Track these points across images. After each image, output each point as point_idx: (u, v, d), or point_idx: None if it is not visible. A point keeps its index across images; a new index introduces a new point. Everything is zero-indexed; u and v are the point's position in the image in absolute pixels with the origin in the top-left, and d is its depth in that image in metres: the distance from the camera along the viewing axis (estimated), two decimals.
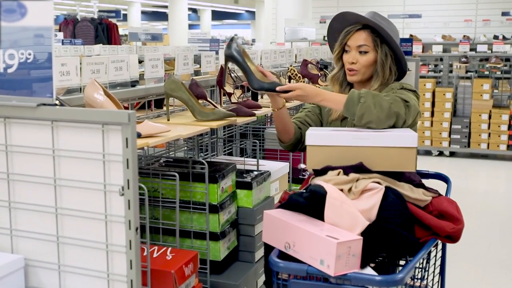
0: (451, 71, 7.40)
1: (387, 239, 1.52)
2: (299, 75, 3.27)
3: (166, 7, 16.20)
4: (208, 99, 2.20)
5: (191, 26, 19.97)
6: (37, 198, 1.37)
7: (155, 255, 1.76)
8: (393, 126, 1.72)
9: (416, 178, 1.72)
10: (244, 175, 2.25)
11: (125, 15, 18.63)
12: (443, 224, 1.60)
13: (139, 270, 1.29)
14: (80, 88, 1.87)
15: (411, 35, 9.76)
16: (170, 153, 2.56)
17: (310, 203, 1.56)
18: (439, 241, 1.69)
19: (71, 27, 8.26)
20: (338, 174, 1.63)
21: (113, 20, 9.42)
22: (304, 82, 3.24)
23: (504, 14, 10.04)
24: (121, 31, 11.51)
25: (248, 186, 2.18)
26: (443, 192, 1.83)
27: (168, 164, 2.15)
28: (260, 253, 2.22)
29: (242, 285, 2.07)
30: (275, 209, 1.65)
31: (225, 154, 2.86)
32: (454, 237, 1.62)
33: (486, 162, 6.91)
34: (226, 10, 22.29)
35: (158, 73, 2.24)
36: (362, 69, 1.91)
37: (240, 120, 2.19)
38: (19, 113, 1.34)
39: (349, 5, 10.89)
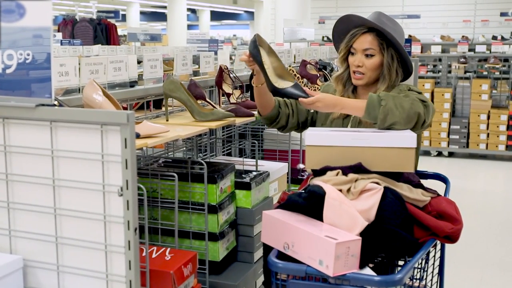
0: (449, 72, 7.41)
1: (386, 240, 1.52)
2: (298, 75, 3.27)
3: (165, 7, 16.20)
4: (207, 99, 2.20)
5: (190, 27, 19.98)
6: (36, 199, 1.37)
7: (154, 255, 1.76)
8: (414, 127, 1.73)
9: (415, 179, 1.72)
10: (243, 175, 2.25)
11: (124, 16, 18.62)
12: (442, 225, 1.60)
13: (138, 271, 1.29)
14: (79, 89, 1.87)
15: (410, 36, 9.76)
16: (169, 154, 2.56)
17: (309, 204, 1.56)
18: (438, 242, 1.70)
19: (70, 27, 8.25)
20: (337, 174, 1.63)
21: (112, 21, 9.41)
22: (302, 82, 3.24)
23: (502, 14, 10.05)
24: (120, 32, 11.49)
25: (247, 187, 2.18)
26: (442, 193, 1.83)
27: (167, 165, 2.15)
28: (259, 253, 2.22)
29: (241, 286, 2.07)
30: (274, 209, 1.65)
31: (224, 155, 2.86)
32: (453, 238, 1.62)
33: (485, 162, 6.92)
34: (225, 11, 22.29)
35: (157, 73, 2.24)
36: (368, 72, 1.90)
37: (239, 121, 2.19)
38: (18, 114, 1.34)
39: (348, 5, 10.90)
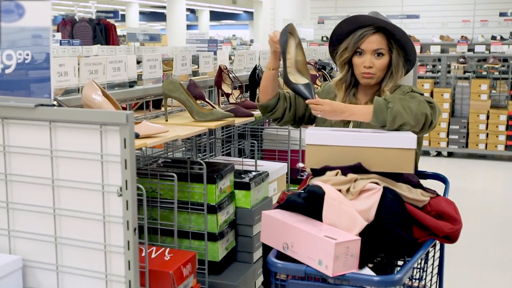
0: (449, 72, 7.41)
1: (385, 240, 1.52)
2: None
3: (164, 7, 16.19)
4: (206, 99, 2.20)
5: (189, 27, 19.98)
6: (35, 199, 1.37)
7: (153, 255, 1.76)
8: (422, 128, 1.74)
9: (414, 179, 1.72)
10: (242, 175, 2.25)
11: (123, 16, 18.62)
12: (441, 225, 1.60)
13: (137, 271, 1.29)
14: (78, 89, 1.87)
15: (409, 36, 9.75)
16: (168, 154, 2.56)
17: (308, 204, 1.56)
18: (437, 242, 1.70)
19: (69, 27, 8.24)
20: (336, 174, 1.63)
21: (111, 21, 9.41)
22: None
23: (502, 14, 10.06)
24: (119, 32, 11.49)
25: (246, 187, 2.18)
26: (441, 193, 1.83)
27: (166, 165, 2.15)
28: (258, 253, 2.22)
29: (241, 286, 2.07)
30: (273, 209, 1.65)
31: (223, 155, 2.86)
32: (452, 238, 1.62)
33: (484, 162, 6.92)
34: (224, 11, 22.29)
35: (156, 73, 2.24)
36: (378, 72, 1.89)
37: (238, 121, 2.19)
38: (17, 114, 1.34)
39: (347, 5, 10.90)
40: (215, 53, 3.07)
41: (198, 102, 2.14)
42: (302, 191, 1.64)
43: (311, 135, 1.69)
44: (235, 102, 2.45)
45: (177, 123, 2.06)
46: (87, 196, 1.31)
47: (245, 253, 2.20)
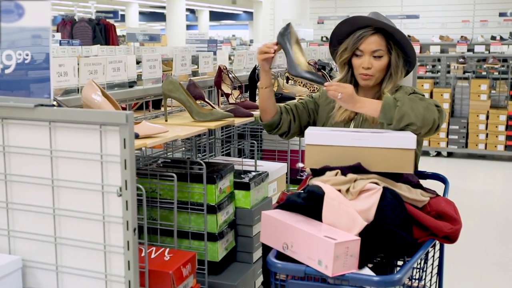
0: (448, 72, 7.42)
1: (385, 240, 1.52)
2: None
3: (164, 7, 16.19)
4: (206, 99, 2.20)
5: (189, 27, 19.97)
6: (35, 199, 1.37)
7: (153, 255, 1.76)
8: (428, 131, 1.75)
9: (414, 179, 1.72)
10: (242, 175, 2.25)
11: (123, 16, 18.62)
12: (441, 225, 1.61)
13: (137, 271, 1.29)
14: (78, 89, 1.87)
15: (408, 36, 9.75)
16: (168, 154, 2.56)
17: (308, 204, 1.56)
18: (437, 242, 1.70)
19: (68, 27, 8.24)
20: (336, 174, 1.63)
21: (111, 21, 9.41)
22: (301, 82, 3.24)
23: (501, 14, 10.07)
24: (119, 32, 11.49)
25: (246, 187, 2.18)
26: (440, 193, 1.83)
27: (166, 165, 2.15)
28: (258, 253, 2.22)
29: (240, 286, 2.07)
30: (273, 209, 1.65)
31: (223, 155, 2.86)
32: (452, 238, 1.62)
33: (484, 162, 6.92)
34: (224, 11, 22.29)
35: (156, 73, 2.24)
36: (376, 73, 1.90)
37: (238, 121, 2.19)
38: (17, 114, 1.34)
39: (346, 6, 10.91)
40: (214, 53, 3.07)
41: (198, 102, 2.14)
42: (302, 191, 1.64)
43: (311, 135, 1.69)
44: (234, 102, 2.45)
45: (176, 123, 2.06)
46: (86, 196, 1.31)
47: (245, 253, 2.20)
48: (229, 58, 4.10)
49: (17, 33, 1.30)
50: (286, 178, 2.75)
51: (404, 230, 1.56)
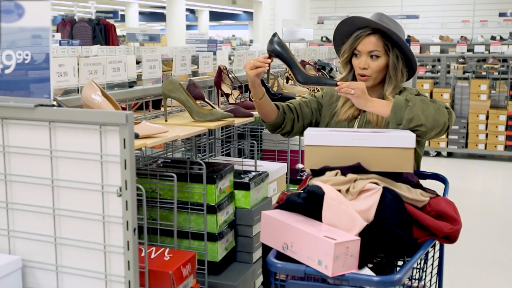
0: (448, 72, 7.42)
1: (385, 240, 1.52)
2: None
3: (163, 7, 16.19)
4: (206, 99, 2.20)
5: (188, 27, 19.98)
6: (35, 199, 1.36)
7: (153, 256, 1.76)
8: (438, 133, 1.76)
9: (413, 179, 1.72)
10: (242, 175, 2.25)
11: (122, 16, 18.62)
12: (441, 225, 1.60)
13: (137, 271, 1.29)
14: (78, 89, 1.87)
15: (408, 36, 9.77)
16: (168, 154, 2.56)
17: (308, 204, 1.56)
18: (437, 242, 1.69)
19: (68, 27, 8.25)
20: (336, 174, 1.63)
21: (111, 21, 9.41)
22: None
23: (501, 15, 10.07)
24: (119, 32, 11.49)
25: (246, 187, 2.18)
26: (440, 193, 1.83)
27: (166, 165, 2.15)
28: (258, 253, 2.22)
29: (240, 286, 2.07)
30: (273, 209, 1.65)
31: (223, 155, 2.86)
32: (451, 238, 1.62)
33: (484, 162, 6.92)
34: (224, 11, 22.29)
35: (155, 73, 2.24)
36: (373, 74, 1.90)
37: (238, 121, 2.19)
38: (17, 114, 1.34)
39: (346, 6, 10.91)
40: (214, 53, 3.07)
41: (198, 102, 2.14)
42: (302, 191, 1.64)
43: (310, 136, 1.68)
44: (234, 102, 2.45)
45: (176, 123, 2.06)
46: (86, 197, 1.31)
47: (245, 253, 2.20)
48: (229, 58, 4.10)
49: (17, 33, 1.30)
50: (286, 178, 2.75)
51: (404, 230, 1.56)
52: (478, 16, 10.37)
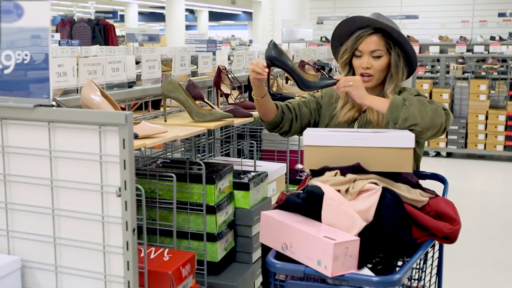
0: (448, 72, 7.42)
1: (384, 240, 1.52)
2: None
3: (163, 8, 16.19)
4: (205, 100, 2.20)
5: (188, 27, 19.98)
6: (34, 199, 1.36)
7: (152, 256, 1.76)
8: (434, 134, 1.76)
9: (413, 179, 1.72)
10: (241, 176, 2.25)
11: (122, 16, 18.62)
12: (440, 225, 1.60)
13: (136, 271, 1.29)
14: (77, 89, 1.87)
15: (408, 36, 9.77)
16: (167, 154, 2.56)
17: (307, 204, 1.56)
18: (436, 242, 1.69)
19: (68, 28, 8.24)
20: (335, 174, 1.63)
21: (110, 21, 9.41)
22: None
23: (500, 15, 10.08)
24: (118, 32, 11.48)
25: (245, 187, 2.18)
26: (440, 193, 1.83)
27: (165, 165, 2.15)
28: (257, 254, 2.22)
29: (240, 286, 2.07)
30: (272, 210, 1.65)
31: (222, 155, 2.86)
32: (451, 238, 1.62)
33: (483, 162, 6.93)
34: (223, 11, 22.29)
35: (155, 74, 2.24)
36: (376, 73, 1.89)
37: (237, 121, 2.19)
38: (16, 114, 1.34)
39: (346, 6, 10.91)
40: (214, 54, 3.07)
41: (197, 102, 2.14)
42: (301, 192, 1.64)
43: (309, 136, 1.68)
44: (234, 102, 2.45)
45: (176, 123, 2.06)
46: (86, 197, 1.31)
47: (244, 254, 2.20)
48: (229, 59, 4.09)
49: (16, 33, 1.30)
50: (286, 178, 2.75)
51: (403, 230, 1.55)
52: (478, 16, 10.38)
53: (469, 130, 6.94)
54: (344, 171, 1.63)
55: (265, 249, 1.62)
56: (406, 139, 1.63)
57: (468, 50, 8.22)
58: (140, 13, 21.12)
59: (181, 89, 2.08)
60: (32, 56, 1.29)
